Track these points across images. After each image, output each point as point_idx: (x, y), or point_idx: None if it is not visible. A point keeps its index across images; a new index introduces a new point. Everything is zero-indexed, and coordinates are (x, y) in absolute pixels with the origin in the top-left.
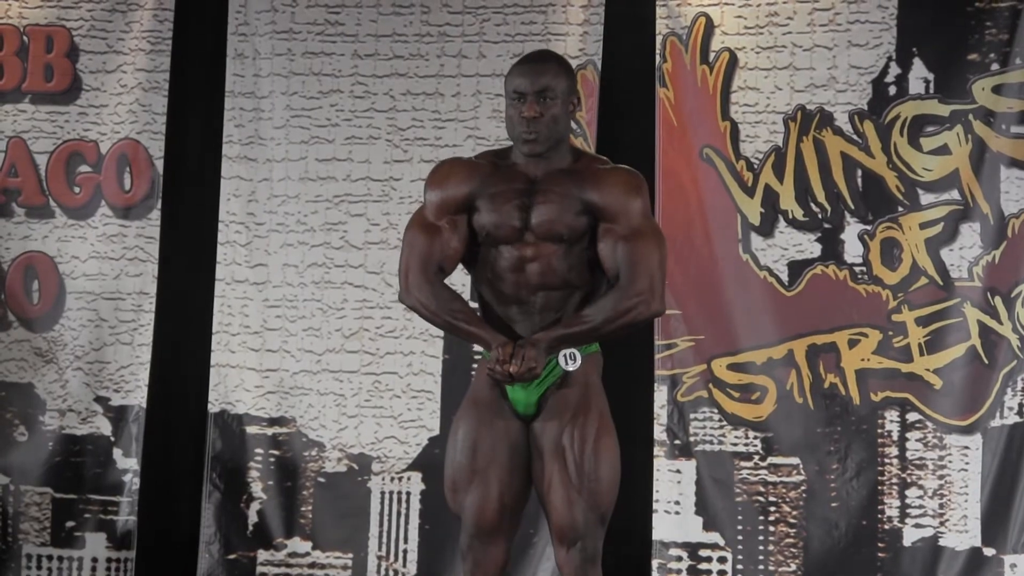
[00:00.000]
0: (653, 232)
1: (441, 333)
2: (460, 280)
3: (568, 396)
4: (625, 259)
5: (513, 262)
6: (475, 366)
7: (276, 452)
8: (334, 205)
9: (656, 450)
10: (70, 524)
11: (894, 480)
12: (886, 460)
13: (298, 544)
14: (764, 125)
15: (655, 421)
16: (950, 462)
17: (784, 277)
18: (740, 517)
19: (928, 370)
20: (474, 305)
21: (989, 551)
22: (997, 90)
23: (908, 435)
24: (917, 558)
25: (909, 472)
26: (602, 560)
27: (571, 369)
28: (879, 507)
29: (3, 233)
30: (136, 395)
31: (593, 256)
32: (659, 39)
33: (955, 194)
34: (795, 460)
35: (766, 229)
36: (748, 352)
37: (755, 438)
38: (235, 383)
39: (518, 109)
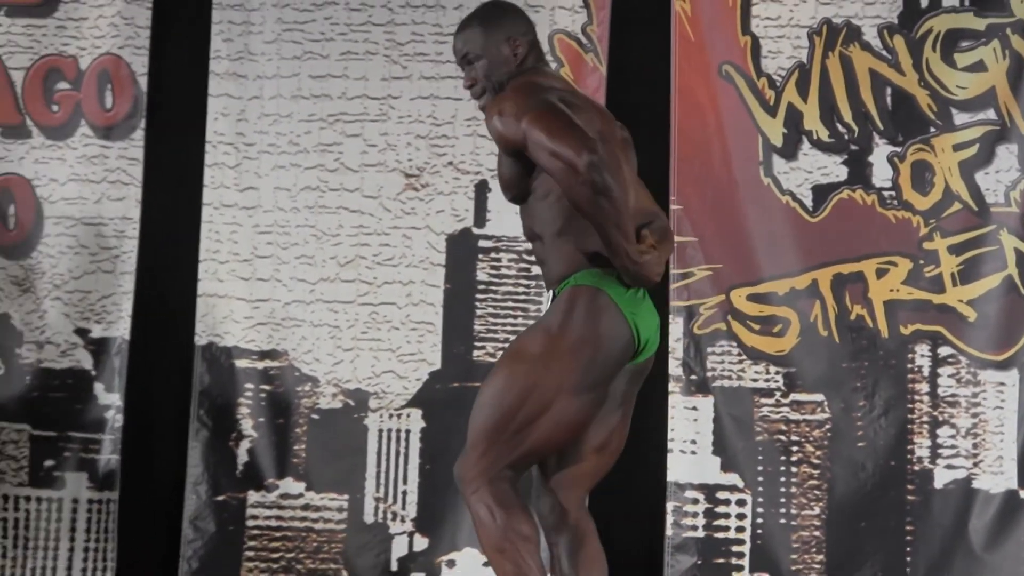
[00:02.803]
0: (530, 119)
1: (443, 260)
2: None
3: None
4: (544, 165)
5: None
6: (479, 297)
7: (267, 387)
8: (328, 125)
9: (671, 386)
10: (49, 463)
11: (924, 418)
12: (916, 397)
13: (291, 485)
14: (787, 40)
15: (670, 355)
16: (984, 399)
17: (808, 202)
18: (760, 457)
19: (961, 301)
20: None
21: None
22: None
23: (940, 371)
24: (949, 501)
25: (941, 410)
26: (611, 500)
27: None
28: (908, 447)
29: None
30: (119, 327)
31: (552, 201)
32: None
33: (991, 114)
34: (819, 397)
35: (789, 151)
36: (769, 282)
37: (776, 373)
38: (223, 314)
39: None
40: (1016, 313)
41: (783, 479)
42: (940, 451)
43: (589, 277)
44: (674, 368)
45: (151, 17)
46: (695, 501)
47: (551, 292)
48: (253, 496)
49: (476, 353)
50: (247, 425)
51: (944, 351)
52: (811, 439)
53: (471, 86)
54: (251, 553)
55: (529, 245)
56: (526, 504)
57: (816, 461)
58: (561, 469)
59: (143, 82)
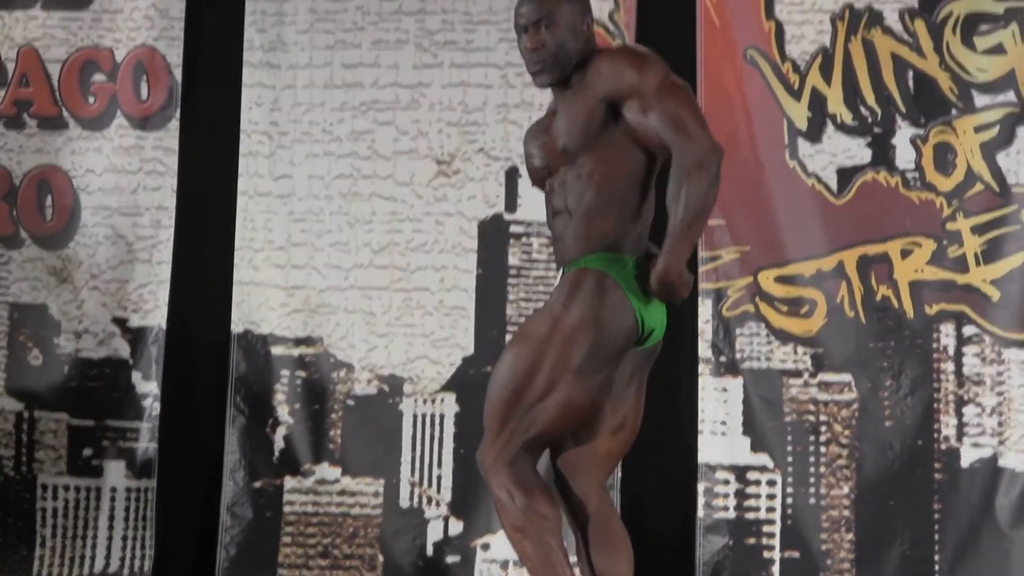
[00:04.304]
0: (670, 87)
1: (474, 246)
2: None
3: None
4: (661, 126)
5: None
6: (511, 282)
7: (303, 374)
8: (361, 113)
9: (701, 368)
10: (87, 452)
11: (950, 397)
12: (942, 376)
13: (327, 470)
14: (810, 24)
15: (699, 337)
16: (1009, 378)
17: (833, 184)
18: (789, 437)
19: (985, 281)
20: None
21: None
22: None
23: (965, 350)
24: (976, 479)
25: (966, 389)
26: (642, 482)
27: None
28: (935, 426)
29: (15, 146)
30: (155, 315)
31: (604, 174)
32: None
33: (1011, 95)
34: (846, 377)
35: (814, 134)
36: (796, 264)
37: (804, 354)
38: (259, 301)
39: (523, 42)
40: None
41: (812, 459)
42: (966, 430)
43: (598, 260)
44: (703, 350)
45: (185, 8)
46: (726, 481)
47: (561, 270)
48: (290, 482)
49: (509, 337)
50: (283, 412)
51: (969, 330)
52: (839, 419)
53: (536, 49)
54: (288, 539)
55: None
56: (546, 485)
57: (844, 441)
58: (578, 454)
59: (178, 73)
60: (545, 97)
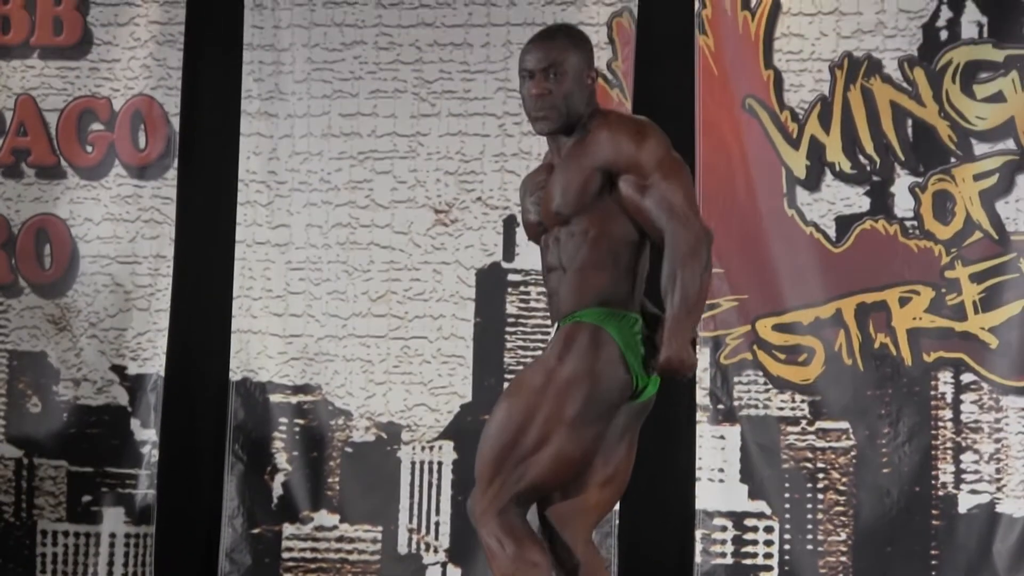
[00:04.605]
0: (668, 167)
1: (472, 295)
2: None
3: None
4: (655, 210)
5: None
6: (508, 330)
7: (301, 421)
8: (359, 162)
9: (699, 415)
10: (87, 499)
11: (948, 444)
12: (940, 423)
13: (325, 517)
14: (809, 73)
15: (697, 385)
16: (1007, 425)
17: (831, 233)
18: (787, 485)
19: (983, 329)
20: None
21: None
22: None
23: (963, 397)
24: (973, 526)
25: (964, 436)
26: (640, 529)
27: None
28: (933, 473)
29: (13, 195)
30: (154, 363)
31: (599, 232)
32: None
33: (1011, 143)
34: (844, 424)
35: (812, 183)
36: (794, 312)
37: (802, 402)
38: (257, 349)
39: (528, 88)
40: None
41: (810, 505)
42: (964, 476)
43: (594, 315)
44: (701, 398)
45: (182, 58)
46: (723, 528)
47: (556, 324)
48: (288, 528)
49: (507, 385)
50: (282, 459)
51: (967, 378)
52: (837, 466)
53: (543, 95)
54: None
55: None
56: (536, 534)
57: (842, 488)
58: (566, 505)
59: (175, 122)
60: (542, 146)
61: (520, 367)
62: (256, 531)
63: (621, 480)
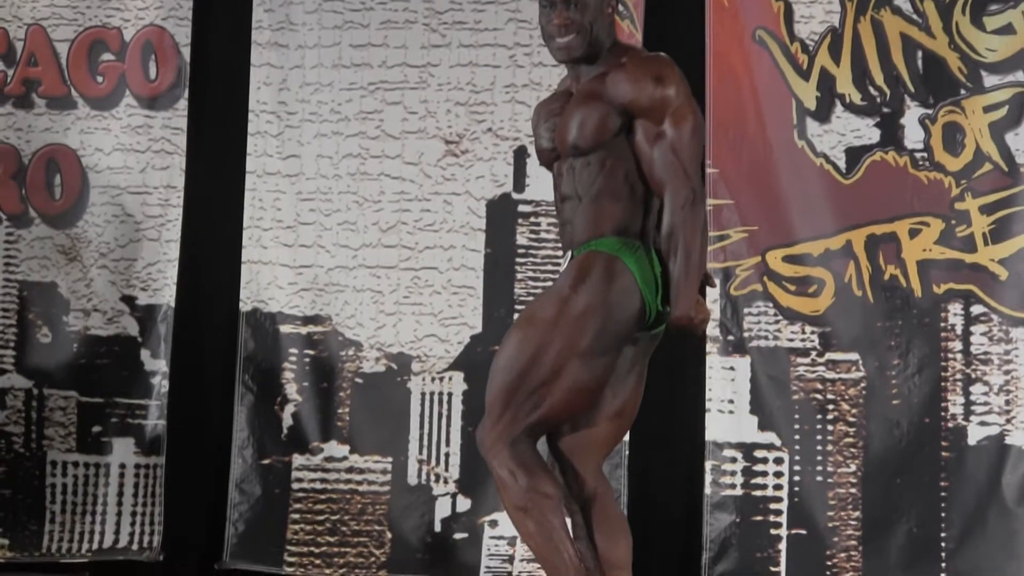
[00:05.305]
0: (680, 117)
1: (483, 225)
2: None
3: None
4: (659, 161)
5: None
6: (519, 261)
7: (311, 352)
8: (369, 93)
9: (708, 346)
10: (96, 429)
11: (958, 376)
12: (949, 355)
13: (335, 448)
14: (819, 5)
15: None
16: (1017, 356)
17: (841, 164)
18: (797, 416)
19: (993, 260)
20: None
21: None
22: None
23: (972, 328)
24: (983, 457)
25: (974, 367)
26: (650, 460)
27: None
28: (942, 404)
29: (23, 125)
30: (164, 294)
31: (616, 162)
32: None
33: (1020, 75)
34: (854, 356)
35: (822, 114)
36: (804, 243)
37: (812, 333)
38: (267, 280)
39: (548, 17)
40: None
41: (819, 437)
42: (974, 408)
43: (610, 244)
44: (711, 329)
45: None
46: (733, 460)
47: (569, 253)
48: (298, 459)
49: (517, 317)
50: (292, 390)
51: (976, 309)
52: (846, 398)
53: (565, 25)
54: (296, 516)
55: None
56: (547, 464)
57: (851, 419)
58: (576, 437)
59: (186, 53)
60: (553, 77)
61: (530, 298)
62: (266, 462)
63: (630, 413)
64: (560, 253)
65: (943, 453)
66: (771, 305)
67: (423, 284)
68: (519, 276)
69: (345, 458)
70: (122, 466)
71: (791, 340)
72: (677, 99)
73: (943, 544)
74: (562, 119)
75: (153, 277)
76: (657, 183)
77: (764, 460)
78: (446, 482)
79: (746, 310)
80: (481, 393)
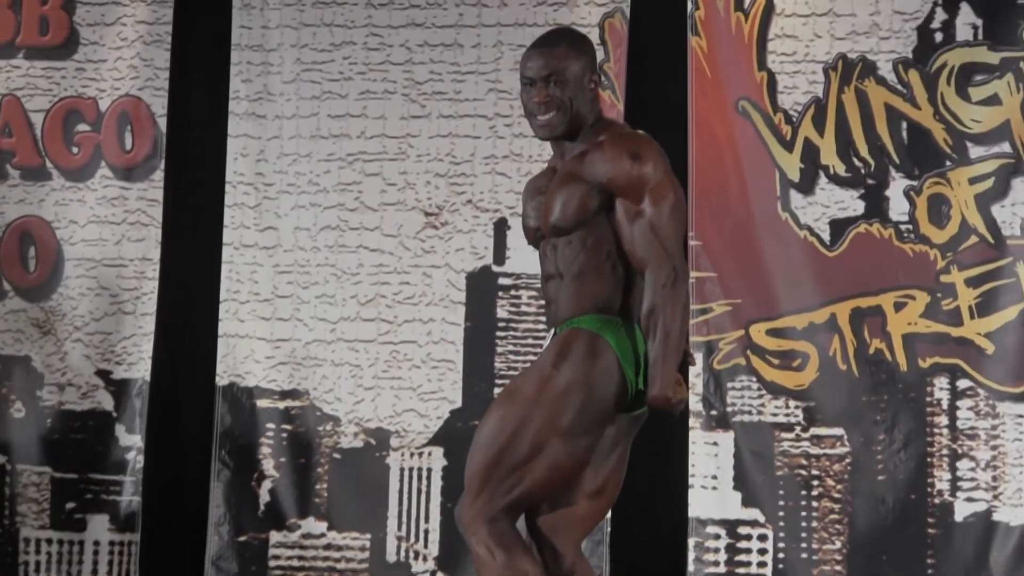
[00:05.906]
0: (660, 196)
1: (463, 298)
2: None
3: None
4: (640, 239)
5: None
6: (499, 335)
7: (288, 427)
8: (348, 164)
9: (692, 421)
10: (71, 505)
11: (944, 451)
12: (935, 430)
13: (313, 525)
14: (803, 75)
15: (690, 391)
16: (1003, 431)
17: (826, 236)
18: (781, 492)
19: (979, 334)
20: None
21: None
22: None
23: (959, 403)
24: (970, 534)
25: (960, 443)
26: (632, 537)
27: None
28: (928, 480)
29: None
30: (139, 368)
31: (598, 240)
32: None
33: (1006, 147)
34: (839, 431)
35: (806, 186)
36: (788, 316)
37: (796, 408)
38: (244, 354)
39: (529, 95)
40: None
41: (804, 513)
42: (960, 484)
43: (592, 322)
44: (694, 403)
45: (170, 58)
46: (717, 536)
47: (552, 331)
48: (275, 536)
49: (497, 391)
50: (269, 465)
51: (963, 384)
52: (831, 473)
53: (545, 103)
54: None
55: None
56: (526, 542)
57: (837, 495)
58: (556, 515)
59: (162, 123)
60: (533, 149)
61: (511, 372)
62: (243, 539)
63: (611, 492)
64: (542, 327)
65: (929, 530)
66: (755, 379)
67: (402, 358)
68: (499, 350)
69: (323, 535)
70: (96, 543)
71: (775, 415)
72: (655, 176)
73: None
74: (545, 199)
75: (128, 351)
76: (638, 261)
77: (748, 537)
78: (425, 559)
79: (729, 384)
80: (461, 468)
